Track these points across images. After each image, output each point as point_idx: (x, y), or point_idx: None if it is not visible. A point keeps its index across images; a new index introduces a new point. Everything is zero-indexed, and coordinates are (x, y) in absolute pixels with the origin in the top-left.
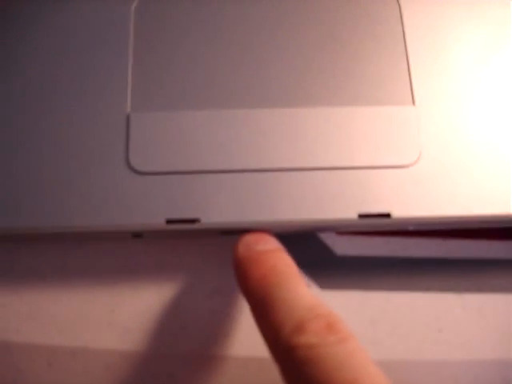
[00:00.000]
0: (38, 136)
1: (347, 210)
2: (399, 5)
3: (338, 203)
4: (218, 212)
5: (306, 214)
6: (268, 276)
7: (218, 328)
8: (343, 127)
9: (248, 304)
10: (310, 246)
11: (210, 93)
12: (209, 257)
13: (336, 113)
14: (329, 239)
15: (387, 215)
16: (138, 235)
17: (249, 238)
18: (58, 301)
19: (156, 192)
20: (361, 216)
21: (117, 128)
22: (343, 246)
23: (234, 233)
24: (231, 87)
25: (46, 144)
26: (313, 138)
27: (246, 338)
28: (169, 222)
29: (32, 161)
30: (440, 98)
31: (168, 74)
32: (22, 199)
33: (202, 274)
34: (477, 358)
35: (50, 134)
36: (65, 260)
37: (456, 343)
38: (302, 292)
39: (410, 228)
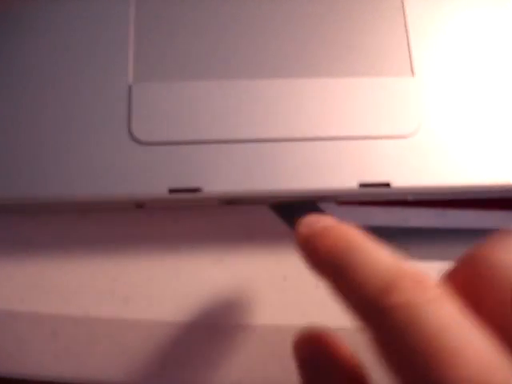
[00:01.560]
0: (40, 107)
1: (347, 180)
2: None
3: (338, 173)
4: (219, 181)
5: (307, 184)
6: (341, 243)
7: (220, 297)
8: (343, 98)
9: (322, 277)
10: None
11: (211, 63)
12: (211, 226)
13: (336, 83)
14: (329, 209)
15: (387, 184)
16: (140, 205)
17: (308, 220)
18: (61, 270)
19: (158, 162)
20: (361, 185)
21: (119, 98)
22: (343, 216)
23: (236, 202)
24: (232, 58)
25: (48, 115)
26: (313, 108)
27: (248, 306)
28: (171, 191)
29: (34, 131)
30: (439, 69)
31: (170, 44)
32: (23, 170)
33: (204, 244)
34: None
35: (53, 105)
36: (67, 230)
37: None
38: (382, 252)
39: (409, 198)
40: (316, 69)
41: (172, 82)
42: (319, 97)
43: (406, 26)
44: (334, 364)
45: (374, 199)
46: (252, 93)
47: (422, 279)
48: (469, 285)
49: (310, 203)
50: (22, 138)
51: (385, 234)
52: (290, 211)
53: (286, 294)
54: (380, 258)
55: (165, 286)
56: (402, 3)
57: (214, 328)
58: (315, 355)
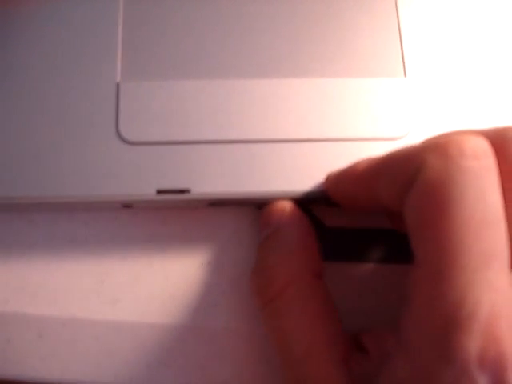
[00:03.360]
0: (27, 106)
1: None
2: None
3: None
4: (208, 183)
5: (297, 185)
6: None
7: (208, 298)
8: (334, 99)
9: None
10: None
11: (200, 62)
12: (199, 227)
13: (327, 84)
14: (320, 210)
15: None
16: (127, 205)
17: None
18: (47, 271)
19: (146, 162)
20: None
21: (107, 97)
22: (334, 218)
23: (224, 204)
24: (222, 57)
25: (35, 113)
26: (304, 109)
27: (235, 309)
28: (159, 192)
29: (20, 130)
30: (431, 70)
31: (158, 43)
32: (9, 168)
33: (192, 245)
34: None
35: (40, 104)
36: (53, 230)
37: None
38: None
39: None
40: (307, 69)
41: (161, 81)
42: (310, 97)
43: (398, 26)
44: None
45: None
46: (241, 93)
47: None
48: None
49: (301, 204)
50: (8, 137)
51: (376, 235)
52: None
53: None
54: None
55: (152, 287)
56: (396, 4)
57: (202, 330)
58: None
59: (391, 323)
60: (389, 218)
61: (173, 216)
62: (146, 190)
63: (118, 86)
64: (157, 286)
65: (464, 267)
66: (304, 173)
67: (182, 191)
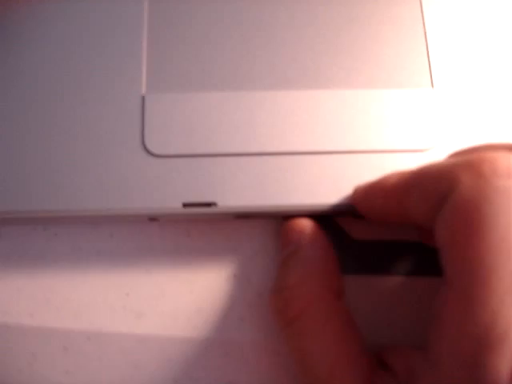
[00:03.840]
0: (53, 118)
1: None
2: None
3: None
4: (234, 196)
5: (324, 198)
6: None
7: (234, 312)
8: (359, 110)
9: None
10: (326, 230)
11: (225, 74)
12: (225, 240)
13: (352, 95)
14: (346, 223)
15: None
16: (153, 218)
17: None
18: (72, 284)
19: (172, 175)
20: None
21: (132, 110)
22: (360, 230)
23: (250, 216)
24: (247, 69)
25: (60, 127)
26: (329, 120)
27: (262, 322)
28: (185, 205)
29: (46, 143)
30: (459, 81)
31: (183, 55)
32: (38, 182)
33: (218, 257)
34: None
35: (65, 116)
36: (79, 243)
37: None
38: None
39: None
40: (332, 80)
41: (186, 93)
42: (335, 109)
43: (425, 35)
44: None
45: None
46: (267, 104)
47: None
48: None
49: (327, 217)
50: (36, 151)
51: (403, 248)
52: None
53: None
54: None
55: (178, 300)
56: (422, 13)
57: (228, 344)
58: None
59: (417, 338)
60: (418, 233)
61: (198, 228)
62: (172, 203)
63: (143, 98)
64: (182, 300)
65: (495, 289)
66: (330, 185)
67: (208, 204)
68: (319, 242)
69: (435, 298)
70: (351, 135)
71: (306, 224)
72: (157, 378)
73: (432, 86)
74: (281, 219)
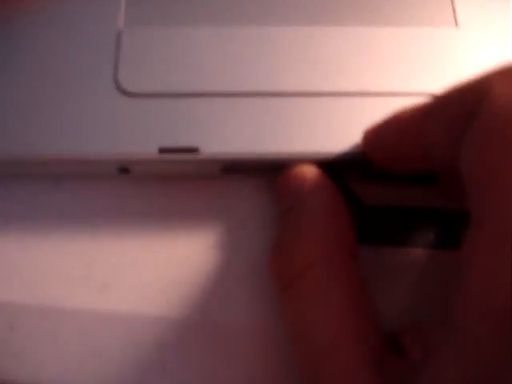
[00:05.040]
0: (21, 51)
1: None
2: None
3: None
4: (220, 141)
5: (328, 146)
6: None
7: (218, 287)
8: (376, 49)
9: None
10: None
11: (213, 8)
12: (209, 202)
13: (369, 33)
14: (357, 187)
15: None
16: (124, 169)
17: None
18: (26, 250)
19: (148, 117)
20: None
21: (107, 43)
22: (374, 195)
23: (240, 169)
24: (240, 1)
25: (27, 60)
26: (339, 59)
27: (251, 301)
28: (162, 151)
29: (9, 78)
30: (485, 20)
31: None
32: None
33: (201, 223)
34: None
35: (34, 48)
36: (37, 202)
37: None
38: None
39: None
40: (348, 17)
41: (167, 27)
42: (348, 47)
43: None
44: None
45: None
46: (263, 40)
47: None
48: None
49: (330, 173)
50: None
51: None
52: None
53: None
54: None
55: (151, 272)
56: None
57: (210, 326)
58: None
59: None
60: (438, 187)
61: (178, 187)
62: (147, 148)
63: (119, 31)
64: (156, 271)
65: None
66: (336, 132)
67: (189, 150)
68: (326, 191)
69: (462, 248)
70: (365, 75)
71: (309, 171)
72: (121, 366)
73: (456, 26)
74: (276, 175)
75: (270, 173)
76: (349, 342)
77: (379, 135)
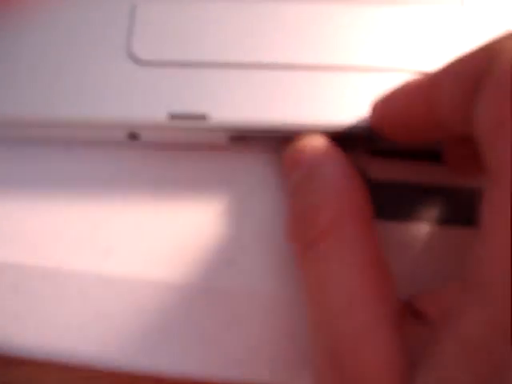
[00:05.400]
0: (37, 18)
1: None
2: None
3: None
4: (229, 109)
5: (337, 118)
6: None
7: (224, 255)
8: (384, 27)
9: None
10: None
11: None
12: (217, 170)
13: (376, 11)
14: (362, 162)
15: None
16: (134, 136)
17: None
18: (31, 212)
19: (159, 84)
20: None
21: (122, 16)
22: (380, 170)
23: (248, 139)
24: None
25: (40, 25)
26: (347, 34)
27: (255, 268)
28: (172, 117)
29: (25, 42)
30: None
31: None
32: (8, 86)
33: (208, 190)
34: None
35: (50, 17)
36: (44, 166)
37: None
38: None
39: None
40: None
41: (179, 2)
42: (348, 24)
43: None
44: None
45: None
46: (274, 16)
47: None
48: None
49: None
50: (7, 48)
51: (430, 192)
52: None
53: None
54: None
55: (157, 238)
56: None
57: (214, 292)
58: None
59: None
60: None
61: (187, 155)
62: (157, 114)
63: (134, 5)
64: (162, 237)
65: None
66: (344, 105)
67: (197, 117)
68: (340, 158)
69: (481, 202)
70: (372, 51)
71: (319, 141)
72: (123, 329)
73: (461, 3)
74: (283, 146)
75: (277, 144)
76: (369, 302)
77: (387, 105)
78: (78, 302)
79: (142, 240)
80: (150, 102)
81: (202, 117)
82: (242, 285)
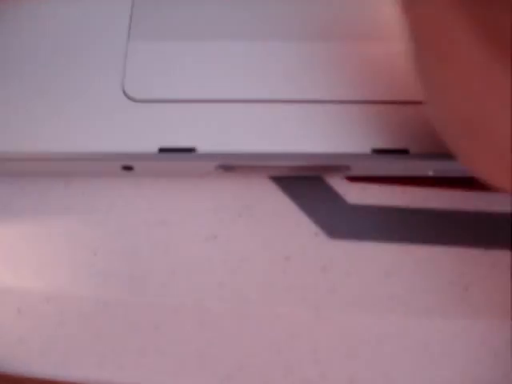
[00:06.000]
0: (29, 53)
1: (361, 145)
2: None
3: (351, 137)
4: (216, 142)
5: (315, 147)
6: None
7: (212, 277)
8: (359, 61)
9: None
10: (318, 194)
11: (210, 24)
12: (206, 198)
13: (357, 46)
14: (340, 187)
15: (405, 151)
16: (128, 167)
17: None
18: (34, 240)
19: (150, 120)
20: (374, 151)
21: (115, 54)
22: (356, 195)
23: (234, 169)
24: (234, 18)
25: (37, 61)
26: (323, 70)
27: (243, 289)
28: (162, 150)
29: (17, 77)
30: None
31: (169, 3)
32: (7, 123)
33: (197, 217)
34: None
35: (47, 50)
36: (47, 198)
37: (484, 303)
38: None
39: (430, 173)
40: (331, 32)
41: (170, 42)
42: (336, 59)
43: None
44: None
45: (388, 172)
46: (256, 54)
47: None
48: None
49: (315, 177)
50: (7, 88)
51: (402, 214)
52: (293, 185)
53: (287, 276)
54: None
55: (150, 261)
56: None
57: (205, 312)
58: None
59: (424, 309)
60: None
61: (176, 184)
62: (149, 148)
63: (127, 44)
64: (156, 262)
65: None
66: (324, 134)
67: (187, 150)
68: None
69: None
70: (349, 85)
71: None
72: (120, 347)
73: None
74: (267, 177)
75: (263, 172)
76: None
77: None
78: (79, 323)
79: (137, 265)
80: (143, 137)
81: (191, 150)
82: (231, 306)
